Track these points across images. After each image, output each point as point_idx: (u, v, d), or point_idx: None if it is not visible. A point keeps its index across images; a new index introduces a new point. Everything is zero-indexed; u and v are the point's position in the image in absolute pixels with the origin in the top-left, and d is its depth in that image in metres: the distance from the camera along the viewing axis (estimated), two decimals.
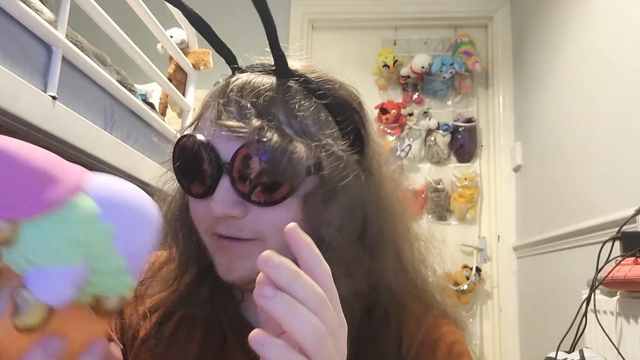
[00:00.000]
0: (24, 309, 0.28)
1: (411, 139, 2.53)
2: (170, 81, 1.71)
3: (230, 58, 0.54)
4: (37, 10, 0.89)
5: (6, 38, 0.83)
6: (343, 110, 0.52)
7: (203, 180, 0.48)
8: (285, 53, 0.51)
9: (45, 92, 0.91)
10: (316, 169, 0.47)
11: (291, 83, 0.50)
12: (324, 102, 0.50)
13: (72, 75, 1.02)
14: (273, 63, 0.51)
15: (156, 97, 1.95)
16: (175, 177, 0.53)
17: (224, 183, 0.46)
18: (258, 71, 0.52)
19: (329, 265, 0.47)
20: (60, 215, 0.29)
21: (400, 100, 2.59)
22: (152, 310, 0.55)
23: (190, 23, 0.51)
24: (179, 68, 1.76)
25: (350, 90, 0.54)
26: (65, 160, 0.31)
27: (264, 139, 0.45)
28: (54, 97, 0.92)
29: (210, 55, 1.79)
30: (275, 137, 0.45)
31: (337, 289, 0.47)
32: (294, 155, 0.45)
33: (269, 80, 0.49)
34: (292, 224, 0.33)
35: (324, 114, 0.50)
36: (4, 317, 0.29)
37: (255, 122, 0.46)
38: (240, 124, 0.46)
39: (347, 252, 0.48)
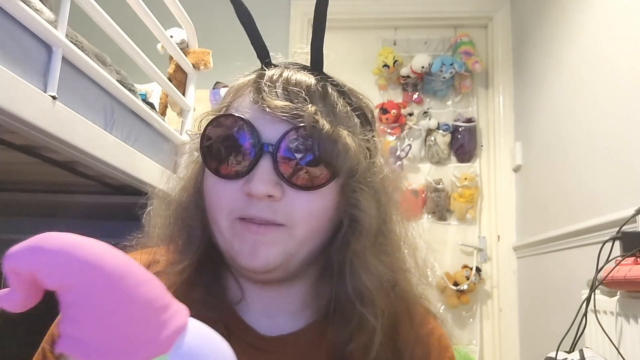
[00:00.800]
0: None
1: (411, 139, 2.53)
2: (170, 81, 1.71)
3: (263, 51, 0.55)
4: (37, 10, 0.89)
5: (6, 38, 0.83)
6: (363, 118, 0.55)
7: (240, 160, 0.48)
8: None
9: (45, 92, 0.91)
10: (356, 160, 0.50)
11: (327, 83, 0.52)
12: (353, 106, 0.54)
13: (72, 75, 1.02)
14: (304, 64, 0.54)
15: (156, 97, 1.95)
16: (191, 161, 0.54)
17: (265, 163, 0.47)
18: (294, 69, 0.53)
19: (365, 254, 0.50)
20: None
21: (400, 100, 2.59)
22: None
23: (236, 11, 0.53)
24: (179, 68, 1.76)
25: (367, 102, 0.57)
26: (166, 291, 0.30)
27: (318, 124, 0.47)
28: (54, 97, 0.92)
29: (210, 55, 1.79)
30: (327, 124, 0.48)
31: (369, 274, 0.49)
32: (343, 144, 0.48)
33: (308, 77, 0.52)
34: None
35: (354, 117, 0.53)
36: None
37: (311, 108, 0.48)
38: (291, 105, 0.48)
39: (377, 241, 0.51)
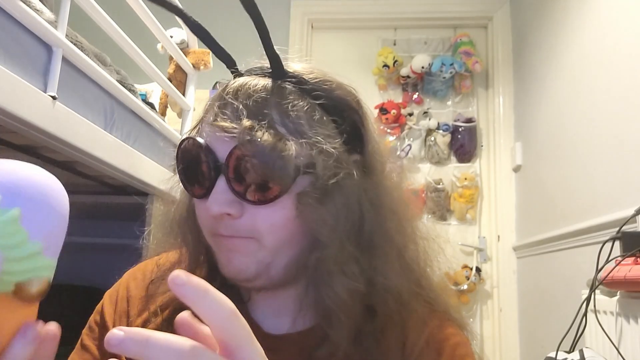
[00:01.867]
0: None
1: (411, 139, 2.53)
2: (170, 81, 1.71)
3: (229, 62, 0.55)
4: (37, 10, 0.89)
5: (6, 38, 0.83)
6: (340, 110, 0.52)
7: (203, 181, 0.49)
8: (284, 55, 0.52)
9: (45, 92, 0.91)
10: (309, 167, 0.47)
11: (286, 84, 0.50)
12: (320, 102, 0.51)
13: (72, 75, 1.02)
14: (269, 66, 0.52)
15: (156, 97, 1.95)
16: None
17: (221, 183, 0.47)
18: (255, 74, 0.52)
19: (324, 264, 0.48)
20: None
21: (400, 100, 2.59)
22: (162, 308, 0.56)
23: (190, 29, 0.52)
24: (179, 68, 1.76)
25: (349, 90, 0.54)
26: None
27: (254, 139, 0.46)
28: (54, 97, 0.92)
29: (210, 55, 1.79)
30: (265, 136, 0.46)
31: (333, 287, 0.48)
32: (284, 154, 0.46)
33: (264, 82, 0.50)
34: (175, 272, 0.30)
35: (318, 114, 0.50)
36: None
37: (246, 122, 0.46)
38: (233, 124, 0.47)
39: (342, 250, 0.48)
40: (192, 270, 0.56)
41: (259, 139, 0.46)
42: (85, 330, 0.60)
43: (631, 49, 1.38)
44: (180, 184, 0.54)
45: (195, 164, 0.49)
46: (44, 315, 0.58)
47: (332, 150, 0.48)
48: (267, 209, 0.47)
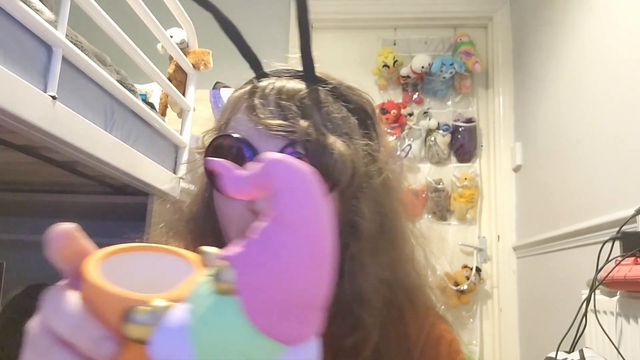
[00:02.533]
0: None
1: (411, 139, 2.53)
2: (170, 81, 1.71)
3: (255, 63, 0.56)
4: (37, 10, 0.89)
5: (6, 38, 0.83)
6: (364, 116, 0.56)
7: None
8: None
9: (45, 92, 0.91)
10: (353, 168, 0.50)
11: (320, 89, 0.53)
12: (350, 106, 0.54)
13: (72, 75, 1.02)
14: (297, 69, 0.54)
15: (156, 97, 1.95)
16: (200, 177, 0.55)
17: None
18: (287, 77, 0.54)
19: (362, 254, 0.51)
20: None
21: (400, 100, 2.59)
22: None
23: (221, 27, 0.54)
24: (179, 68, 1.76)
25: (367, 98, 0.58)
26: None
27: (312, 139, 0.48)
28: (54, 97, 0.92)
29: (210, 55, 1.79)
30: (321, 137, 0.49)
31: (368, 277, 0.50)
32: (339, 154, 0.49)
33: (300, 85, 0.52)
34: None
35: (351, 119, 0.54)
36: None
37: (303, 123, 0.49)
38: (284, 122, 0.49)
39: (375, 243, 0.52)
40: None
41: (315, 139, 0.48)
42: None
43: (631, 49, 1.38)
44: (200, 180, 0.54)
45: (234, 161, 0.49)
46: None
47: (368, 151, 0.53)
48: None
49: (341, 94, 0.54)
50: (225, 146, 0.51)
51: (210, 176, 0.52)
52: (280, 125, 0.48)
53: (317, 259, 0.25)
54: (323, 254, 0.26)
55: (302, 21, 0.51)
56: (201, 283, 0.26)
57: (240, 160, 0.49)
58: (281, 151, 0.48)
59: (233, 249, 0.25)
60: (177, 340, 0.24)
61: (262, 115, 0.49)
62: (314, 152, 0.48)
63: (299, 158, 0.48)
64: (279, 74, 0.55)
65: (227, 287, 0.25)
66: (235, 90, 0.57)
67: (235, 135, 0.50)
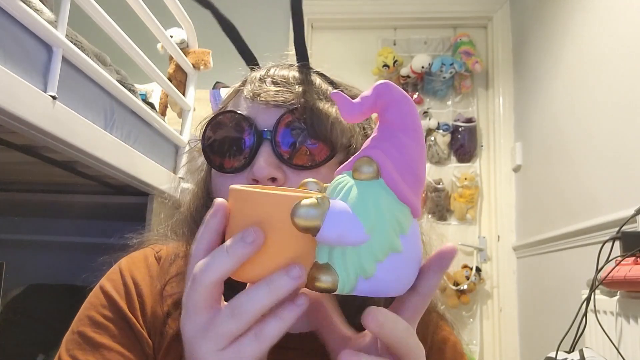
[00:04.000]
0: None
1: None
2: (170, 81, 1.71)
3: (250, 58, 0.58)
4: (37, 10, 0.89)
5: (6, 38, 0.83)
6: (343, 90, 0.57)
7: (240, 151, 0.50)
8: (287, 53, 0.56)
9: (45, 92, 0.91)
10: (350, 139, 0.51)
11: (314, 74, 0.55)
12: (334, 86, 0.55)
13: (72, 75, 1.02)
14: (290, 63, 0.56)
15: (156, 97, 1.95)
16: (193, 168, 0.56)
17: (265, 149, 0.49)
18: (280, 66, 0.56)
19: None
20: None
21: None
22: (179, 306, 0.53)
23: (219, 24, 0.56)
24: (179, 68, 1.76)
25: (357, 91, 0.58)
26: None
27: (308, 103, 0.49)
28: (54, 97, 0.92)
29: (210, 55, 1.79)
30: (319, 102, 0.50)
31: None
32: (335, 118, 0.50)
33: (293, 71, 0.54)
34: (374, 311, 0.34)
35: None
36: None
37: (298, 88, 0.50)
38: (283, 89, 0.50)
39: None
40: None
41: (312, 102, 0.49)
42: (90, 329, 0.53)
43: (630, 49, 1.38)
44: (199, 172, 0.54)
45: (232, 135, 0.50)
46: (45, 316, 0.58)
47: (365, 129, 0.54)
48: (308, 174, 0.49)
49: (333, 81, 0.56)
50: (223, 122, 0.51)
51: (208, 156, 0.52)
52: (277, 93, 0.50)
53: (424, 151, 0.36)
54: (424, 148, 0.37)
55: (295, 11, 0.53)
56: (337, 182, 0.35)
57: (239, 135, 0.50)
58: (280, 119, 0.49)
59: (372, 152, 0.35)
60: (346, 218, 0.32)
61: (261, 90, 0.51)
62: (311, 116, 0.49)
63: (297, 124, 0.49)
64: (272, 65, 0.56)
65: (371, 175, 0.34)
66: (233, 86, 0.58)
67: (232, 110, 0.51)
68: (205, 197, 0.56)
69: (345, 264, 0.33)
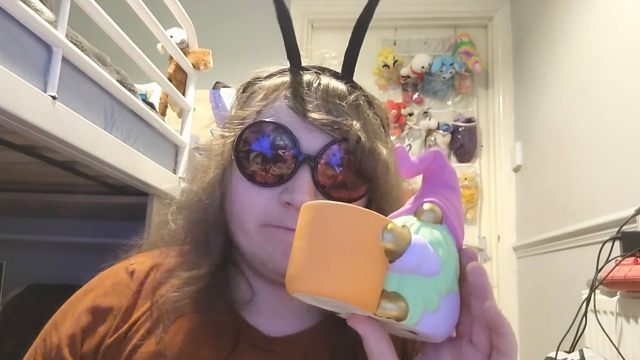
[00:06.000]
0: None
1: (411, 139, 2.53)
2: (170, 81, 1.71)
3: (296, 58, 0.55)
4: (37, 10, 0.89)
5: (6, 38, 0.83)
6: (385, 126, 0.57)
7: (278, 168, 0.48)
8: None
9: (45, 92, 0.91)
10: (393, 175, 0.51)
11: (359, 93, 0.53)
12: (378, 116, 0.55)
13: (72, 75, 1.02)
14: (335, 70, 0.54)
15: (156, 97, 1.95)
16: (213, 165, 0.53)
17: (305, 174, 0.47)
18: (328, 75, 0.54)
19: None
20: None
21: (400, 100, 2.59)
22: (162, 310, 0.53)
23: (278, 18, 0.53)
24: (179, 68, 1.76)
25: (387, 109, 0.58)
26: None
27: (361, 140, 0.48)
28: (54, 97, 0.92)
29: (210, 55, 1.79)
30: (369, 141, 0.49)
31: None
32: (384, 160, 0.49)
33: (343, 86, 0.52)
34: (474, 264, 0.38)
35: (380, 125, 0.54)
36: None
37: (356, 124, 0.49)
38: (335, 119, 0.48)
39: None
40: (202, 273, 0.52)
41: (365, 141, 0.48)
42: (65, 341, 0.53)
43: (631, 48, 1.38)
44: (225, 163, 0.52)
45: (272, 149, 0.49)
46: (45, 316, 0.58)
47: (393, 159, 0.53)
48: None
49: (372, 102, 0.55)
50: (265, 133, 0.49)
51: (241, 162, 0.50)
52: (331, 122, 0.48)
53: (462, 209, 0.43)
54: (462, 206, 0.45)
55: (361, 24, 0.52)
56: (408, 220, 0.39)
57: (280, 152, 0.48)
58: (327, 147, 0.48)
59: (435, 200, 0.40)
60: (427, 250, 0.35)
61: (309, 107, 0.49)
62: (361, 154, 0.48)
63: (344, 157, 0.48)
64: (319, 70, 0.54)
65: (436, 220, 0.38)
66: (266, 78, 0.55)
67: (277, 123, 0.49)
68: (220, 196, 0.53)
69: (416, 294, 0.34)
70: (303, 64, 0.55)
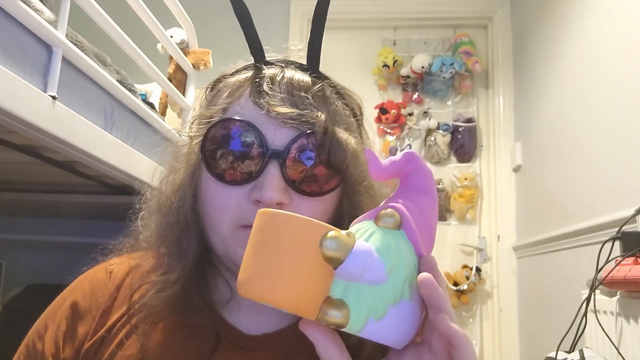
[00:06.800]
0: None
1: (411, 139, 2.53)
2: (170, 81, 1.71)
3: (259, 51, 0.54)
4: (37, 10, 0.89)
5: (6, 38, 0.83)
6: (357, 116, 0.56)
7: (246, 166, 0.47)
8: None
9: (45, 92, 0.91)
10: (364, 166, 0.50)
11: (325, 84, 0.52)
12: (349, 106, 0.54)
13: (72, 75, 1.02)
14: (300, 62, 0.53)
15: (156, 97, 1.95)
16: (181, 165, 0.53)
17: (274, 170, 0.46)
18: (292, 67, 0.52)
19: None
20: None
21: (400, 100, 2.59)
22: (140, 316, 0.52)
23: (235, 13, 0.52)
24: (179, 68, 1.76)
25: (359, 99, 0.57)
26: None
27: (328, 131, 0.47)
28: (54, 97, 0.92)
29: (210, 55, 1.79)
30: (337, 132, 0.48)
31: None
32: (353, 150, 0.48)
33: (307, 78, 0.51)
34: (425, 275, 0.37)
35: (351, 116, 0.54)
36: None
37: (321, 116, 0.47)
38: (300, 112, 0.47)
39: None
40: (176, 277, 0.51)
41: (332, 132, 0.47)
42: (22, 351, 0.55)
43: (631, 48, 1.38)
44: (181, 171, 0.52)
45: (239, 147, 0.48)
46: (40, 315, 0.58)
47: (366, 148, 0.52)
48: (312, 201, 0.48)
49: (341, 93, 0.54)
50: (231, 130, 0.48)
51: (208, 162, 0.49)
52: (296, 115, 0.47)
53: (437, 215, 0.41)
54: (437, 213, 0.41)
55: (319, 14, 0.50)
56: (359, 227, 0.38)
57: (246, 149, 0.47)
58: (294, 141, 0.47)
59: (396, 205, 0.39)
60: (370, 256, 0.34)
61: (273, 102, 0.48)
62: (329, 146, 0.47)
63: (312, 149, 0.47)
64: (284, 65, 0.53)
65: (393, 225, 0.38)
66: (232, 75, 0.54)
67: (243, 119, 0.48)
68: (191, 197, 0.53)
69: (359, 302, 0.34)
70: (269, 59, 0.54)
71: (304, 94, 0.49)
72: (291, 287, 0.34)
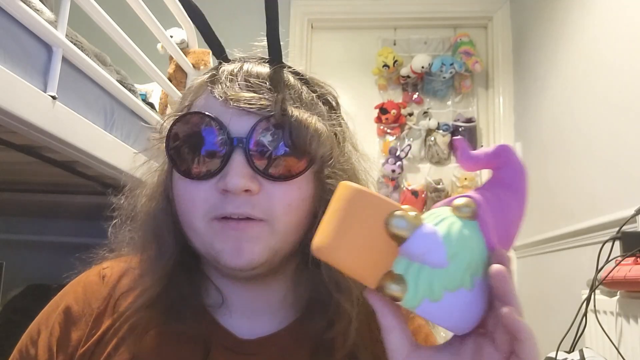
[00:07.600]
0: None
1: (411, 139, 2.53)
2: (170, 81, 1.71)
3: (219, 49, 0.54)
4: (37, 10, 0.89)
5: (6, 38, 0.83)
6: (329, 104, 0.55)
7: (210, 158, 0.47)
8: (257, 44, 0.53)
9: (45, 92, 0.91)
10: (329, 145, 0.49)
11: (286, 72, 0.51)
12: (317, 94, 0.53)
13: (72, 75, 1.02)
14: (261, 57, 0.53)
15: (156, 97, 1.95)
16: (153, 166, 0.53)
17: (238, 157, 0.46)
18: (252, 61, 0.52)
19: None
20: None
21: (400, 100, 2.59)
22: (131, 323, 0.51)
23: (189, 15, 0.52)
24: (179, 68, 1.76)
25: (331, 89, 0.56)
26: None
27: (287, 112, 0.46)
28: (54, 97, 0.92)
29: (210, 55, 1.79)
30: (296, 111, 0.47)
31: None
32: (315, 129, 0.47)
33: (267, 69, 0.51)
34: (499, 267, 0.36)
35: (320, 104, 0.52)
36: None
37: (278, 96, 0.47)
38: (256, 95, 0.47)
39: None
40: (153, 281, 0.51)
41: (291, 112, 0.46)
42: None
43: (631, 48, 1.38)
44: (165, 166, 0.51)
45: (201, 140, 0.47)
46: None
47: (339, 135, 0.52)
48: (284, 186, 0.47)
49: (307, 80, 0.53)
50: (191, 125, 0.48)
51: (174, 160, 0.48)
52: (252, 99, 0.46)
53: (523, 216, 0.41)
54: (524, 213, 0.41)
55: (270, 4, 0.49)
56: (434, 211, 0.39)
57: (209, 141, 0.47)
58: (255, 127, 0.46)
59: (475, 195, 0.39)
60: (433, 239, 0.35)
61: (232, 92, 0.47)
62: (290, 126, 0.46)
63: (274, 133, 0.46)
64: (245, 59, 0.53)
65: (467, 215, 0.38)
66: (197, 79, 0.55)
67: (203, 112, 0.48)
68: (163, 200, 0.52)
69: (417, 281, 0.35)
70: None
71: (261, 81, 0.48)
72: (360, 257, 0.37)
